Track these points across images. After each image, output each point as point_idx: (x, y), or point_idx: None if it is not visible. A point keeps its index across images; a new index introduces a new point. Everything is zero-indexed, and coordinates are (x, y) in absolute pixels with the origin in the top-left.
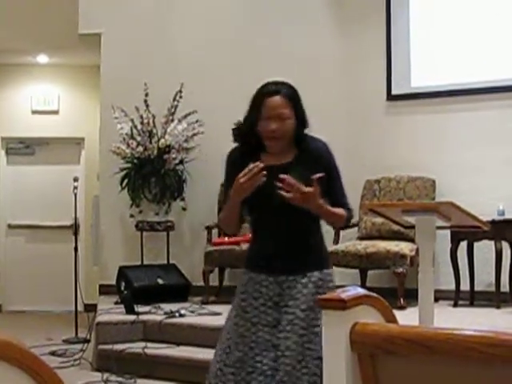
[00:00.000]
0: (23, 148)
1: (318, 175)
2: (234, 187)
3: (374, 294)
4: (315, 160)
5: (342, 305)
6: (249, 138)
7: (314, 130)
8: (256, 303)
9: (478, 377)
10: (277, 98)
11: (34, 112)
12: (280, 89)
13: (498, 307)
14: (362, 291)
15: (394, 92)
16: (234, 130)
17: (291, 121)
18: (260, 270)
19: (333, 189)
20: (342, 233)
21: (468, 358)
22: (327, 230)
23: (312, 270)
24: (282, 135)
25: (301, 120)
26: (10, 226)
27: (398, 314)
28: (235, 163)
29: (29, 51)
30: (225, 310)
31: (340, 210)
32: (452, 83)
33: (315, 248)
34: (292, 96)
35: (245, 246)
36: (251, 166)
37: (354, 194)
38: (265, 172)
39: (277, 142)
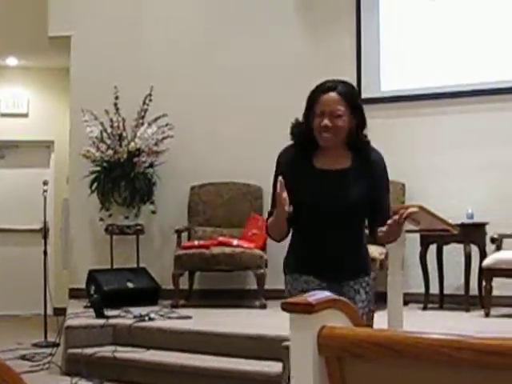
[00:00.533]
0: None
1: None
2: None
3: (342, 298)
4: (371, 171)
5: (310, 308)
6: (303, 136)
7: (285, 134)
8: None
9: (447, 380)
10: (331, 95)
11: (3, 115)
12: (336, 85)
13: (468, 310)
14: (329, 295)
15: (363, 96)
16: (292, 127)
17: (345, 118)
18: (314, 276)
19: (383, 202)
20: None
21: (437, 361)
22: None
23: (362, 275)
24: (335, 132)
25: (358, 121)
26: None
27: None
28: (285, 164)
29: None
30: (195, 313)
31: None
32: (422, 87)
33: (363, 254)
34: (348, 94)
35: (216, 250)
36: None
37: None
38: (287, 202)
39: (329, 138)
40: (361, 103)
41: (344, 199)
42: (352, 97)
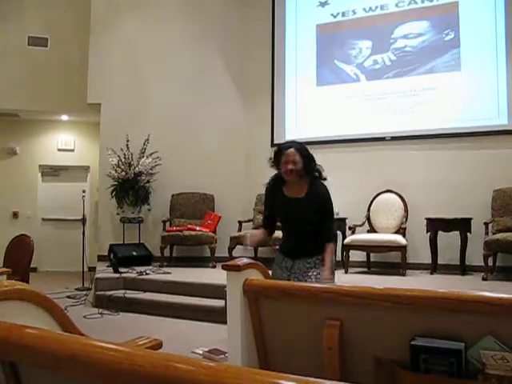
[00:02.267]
0: (52, 172)
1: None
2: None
3: (259, 262)
4: (318, 199)
5: (238, 268)
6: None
7: (225, 164)
8: (280, 269)
9: (318, 312)
10: (290, 150)
11: (59, 150)
12: (292, 144)
13: (335, 269)
14: (251, 260)
15: (275, 141)
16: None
17: (301, 163)
18: (285, 255)
19: (325, 223)
20: (243, 226)
21: (312, 299)
22: (231, 220)
23: (313, 255)
24: (296, 172)
25: (308, 162)
26: (43, 219)
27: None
28: (268, 192)
29: (56, 112)
30: (174, 271)
31: (328, 250)
32: (312, 136)
33: (315, 243)
34: (300, 148)
35: (186, 233)
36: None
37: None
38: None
39: (292, 176)
40: (309, 151)
41: (301, 216)
42: (303, 149)
